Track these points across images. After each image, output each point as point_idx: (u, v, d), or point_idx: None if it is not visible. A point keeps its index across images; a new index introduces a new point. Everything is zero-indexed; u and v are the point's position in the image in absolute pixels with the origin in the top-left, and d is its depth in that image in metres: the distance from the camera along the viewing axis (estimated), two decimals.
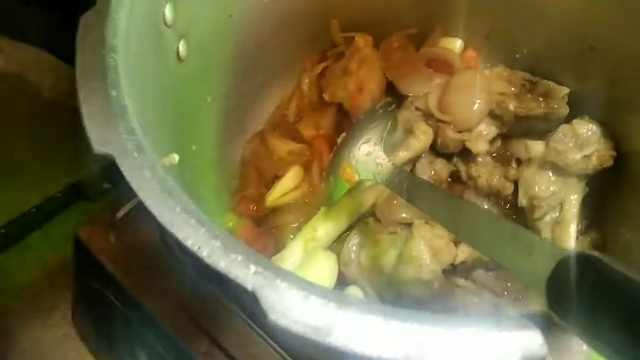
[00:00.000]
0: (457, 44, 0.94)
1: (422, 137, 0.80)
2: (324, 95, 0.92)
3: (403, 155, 0.80)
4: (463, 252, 0.72)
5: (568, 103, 0.81)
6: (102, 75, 0.46)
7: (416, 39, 0.93)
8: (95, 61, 0.47)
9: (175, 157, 0.59)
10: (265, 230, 0.83)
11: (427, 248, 0.70)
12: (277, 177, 0.88)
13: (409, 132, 0.81)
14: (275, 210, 0.85)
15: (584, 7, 0.75)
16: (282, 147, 0.91)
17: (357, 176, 0.75)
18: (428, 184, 0.64)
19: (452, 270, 0.74)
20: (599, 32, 0.75)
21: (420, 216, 0.76)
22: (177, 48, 0.64)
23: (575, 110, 0.80)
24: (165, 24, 0.60)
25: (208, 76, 0.74)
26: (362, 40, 0.90)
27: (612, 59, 0.75)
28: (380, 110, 0.83)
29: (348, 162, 0.76)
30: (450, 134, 0.81)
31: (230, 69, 0.80)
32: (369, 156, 0.76)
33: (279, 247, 0.81)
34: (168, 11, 0.60)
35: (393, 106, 0.83)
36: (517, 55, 0.90)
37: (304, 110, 0.95)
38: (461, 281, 0.74)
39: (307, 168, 0.88)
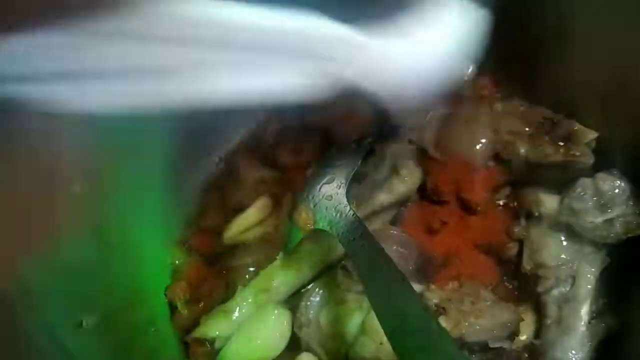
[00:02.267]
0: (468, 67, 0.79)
1: (408, 178, 0.67)
2: (306, 117, 0.80)
3: (383, 198, 0.66)
4: None
5: (594, 151, 0.66)
6: None
7: None
8: None
9: None
10: (217, 271, 0.71)
11: None
12: (241, 209, 0.76)
13: (394, 170, 0.68)
14: (233, 248, 0.73)
15: (615, 36, 0.60)
16: (254, 173, 0.79)
17: (312, 224, 0.62)
18: (385, 260, 0.51)
19: None
20: (631, 65, 0.60)
21: None
22: None
23: (602, 161, 0.65)
24: None
25: None
26: None
27: None
28: (354, 145, 0.69)
29: (305, 204, 0.63)
30: (443, 178, 0.67)
31: None
32: (329, 200, 0.62)
33: (228, 293, 0.69)
34: None
35: (370, 139, 0.69)
36: (539, 89, 0.75)
37: (284, 133, 0.83)
38: None
39: (277, 201, 0.76)
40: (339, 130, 0.76)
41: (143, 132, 0.64)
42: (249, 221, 0.74)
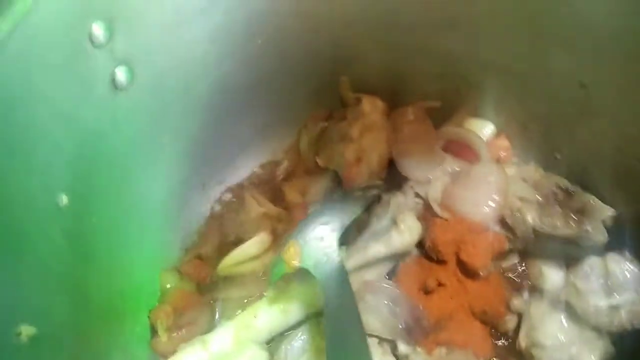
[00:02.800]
0: (487, 128, 0.77)
1: (407, 233, 0.64)
2: (317, 158, 0.79)
3: (378, 250, 0.64)
4: None
5: (609, 229, 0.62)
6: None
7: (438, 115, 0.77)
8: None
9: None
10: (205, 301, 0.70)
11: None
12: (240, 242, 0.75)
13: (394, 223, 0.66)
14: (225, 279, 0.72)
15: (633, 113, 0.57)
16: (258, 207, 0.78)
17: (298, 260, 0.60)
18: (353, 319, 0.49)
19: None
20: None
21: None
22: (113, 74, 0.55)
23: (615, 240, 0.61)
24: (93, 43, 0.51)
25: (165, 113, 0.64)
26: (370, 105, 0.77)
27: None
28: (360, 192, 0.68)
29: (295, 240, 0.62)
30: (445, 237, 0.64)
31: (202, 113, 0.70)
32: (319, 241, 0.61)
33: (211, 324, 0.68)
34: (98, 30, 0.51)
35: (376, 191, 0.68)
36: (558, 156, 0.72)
37: (295, 171, 0.83)
38: None
39: (275, 238, 0.74)
40: (348, 175, 0.75)
41: (150, 154, 0.65)
42: (246, 254, 0.73)
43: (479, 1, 0.67)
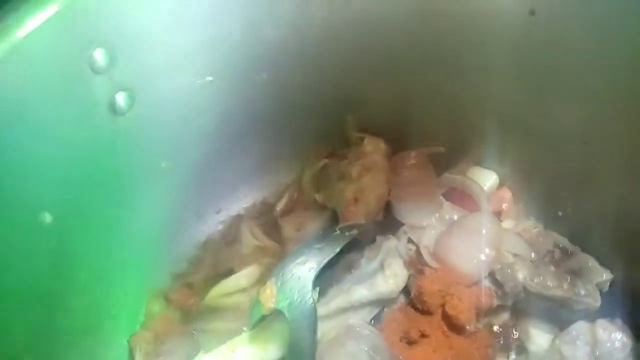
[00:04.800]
0: (491, 178, 0.76)
1: (392, 279, 0.63)
2: (316, 196, 0.79)
3: (361, 294, 0.63)
4: None
5: (604, 295, 0.60)
6: None
7: (440, 161, 0.77)
8: None
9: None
10: (187, 331, 0.70)
11: None
12: (231, 273, 0.75)
13: (381, 267, 0.65)
14: (211, 310, 0.72)
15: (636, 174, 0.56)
16: (253, 239, 0.78)
17: (274, 302, 0.59)
18: None
19: None
20: None
21: None
22: (112, 99, 0.56)
23: (608, 307, 0.58)
24: (93, 69, 0.53)
25: (164, 141, 0.66)
26: (372, 145, 0.76)
27: None
28: (338, 231, 0.67)
29: (272, 281, 0.61)
30: (432, 287, 0.62)
31: (202, 143, 0.71)
32: (296, 282, 0.60)
33: (190, 356, 0.67)
34: (99, 56, 0.53)
35: (355, 231, 0.67)
36: (560, 213, 0.70)
37: (294, 207, 0.83)
38: None
39: (266, 271, 0.74)
40: (346, 214, 0.75)
41: (145, 179, 0.66)
42: (235, 285, 0.73)
43: (487, 52, 0.67)
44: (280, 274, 0.62)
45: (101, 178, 0.59)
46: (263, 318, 0.62)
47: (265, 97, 0.74)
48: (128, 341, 0.66)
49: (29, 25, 0.46)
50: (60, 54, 0.49)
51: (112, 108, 0.57)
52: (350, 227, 0.67)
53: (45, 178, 0.50)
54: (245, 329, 0.66)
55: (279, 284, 0.61)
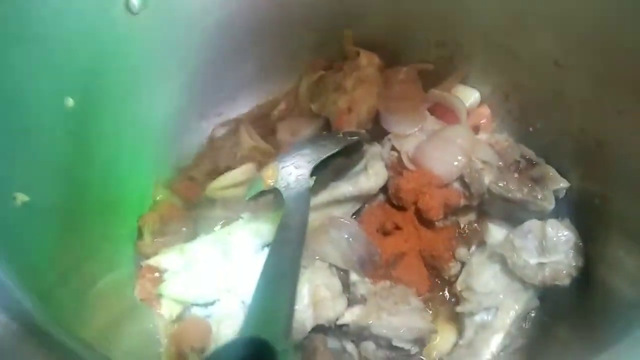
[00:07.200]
0: (473, 95, 0.82)
1: (373, 178, 0.71)
2: (312, 105, 0.85)
3: (345, 189, 0.71)
4: (351, 314, 0.62)
5: (560, 201, 0.68)
6: None
7: (430, 78, 0.83)
8: None
9: None
10: (190, 215, 0.78)
11: (309, 293, 0.61)
12: (229, 170, 0.82)
13: (365, 168, 0.72)
14: (210, 201, 0.80)
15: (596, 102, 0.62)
16: (250, 140, 0.85)
17: (274, 181, 0.68)
18: (297, 239, 0.59)
19: (341, 331, 0.64)
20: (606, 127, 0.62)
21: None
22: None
23: (562, 210, 0.67)
24: None
25: (172, 43, 0.71)
26: (367, 59, 0.82)
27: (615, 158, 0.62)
28: (340, 135, 0.75)
29: (275, 163, 0.70)
30: (407, 186, 0.70)
31: (207, 47, 0.76)
32: (296, 168, 0.68)
33: (192, 236, 0.75)
34: None
35: (356, 137, 0.74)
36: (531, 129, 0.77)
37: (290, 113, 0.89)
38: (349, 346, 0.64)
39: (260, 169, 0.81)
40: (338, 122, 0.81)
41: (155, 78, 0.72)
42: (233, 179, 0.81)
43: None
44: (284, 159, 0.69)
45: (118, 71, 0.65)
46: (261, 194, 0.70)
47: (268, 8, 0.78)
48: (137, 220, 0.75)
49: None
50: None
51: (127, 7, 0.62)
52: (352, 134, 0.74)
53: (71, 65, 0.57)
54: (242, 216, 0.75)
55: (280, 166, 0.69)
